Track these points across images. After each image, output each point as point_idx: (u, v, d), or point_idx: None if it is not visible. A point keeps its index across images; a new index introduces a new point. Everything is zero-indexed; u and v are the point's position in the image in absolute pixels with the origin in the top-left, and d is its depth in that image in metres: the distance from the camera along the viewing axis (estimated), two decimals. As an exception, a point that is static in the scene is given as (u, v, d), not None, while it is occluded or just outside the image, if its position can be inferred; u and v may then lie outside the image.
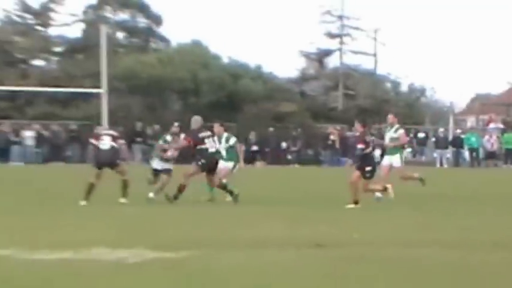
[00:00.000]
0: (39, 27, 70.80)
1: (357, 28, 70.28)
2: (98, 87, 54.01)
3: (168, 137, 22.16)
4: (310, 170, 47.13)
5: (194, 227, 14.53)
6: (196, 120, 21.65)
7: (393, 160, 23.07)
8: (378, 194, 21.29)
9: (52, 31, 71.10)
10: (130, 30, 71.14)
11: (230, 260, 10.74)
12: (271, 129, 54.12)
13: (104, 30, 56.20)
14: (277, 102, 60.76)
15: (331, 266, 10.44)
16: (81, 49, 68.55)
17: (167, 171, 21.71)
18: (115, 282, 8.96)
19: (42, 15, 69.80)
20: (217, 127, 22.78)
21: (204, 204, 20.72)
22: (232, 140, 23.11)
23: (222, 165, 22.25)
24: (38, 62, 70.57)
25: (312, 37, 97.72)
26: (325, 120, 59.75)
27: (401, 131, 23.43)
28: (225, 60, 65.47)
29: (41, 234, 13.15)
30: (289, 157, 53.27)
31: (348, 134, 57.70)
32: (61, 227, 14.43)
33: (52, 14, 70.27)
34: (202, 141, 21.14)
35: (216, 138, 22.16)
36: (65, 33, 71.53)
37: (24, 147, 52.65)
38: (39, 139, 53.10)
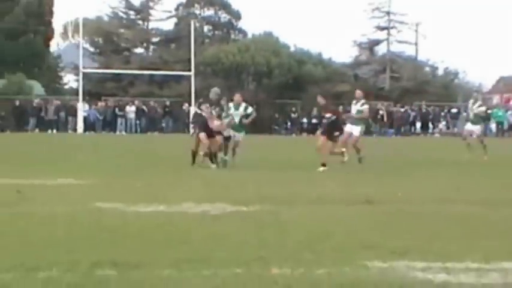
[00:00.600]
0: (140, 21, 71.32)
1: (401, 22, 71.00)
2: (187, 70, 54.27)
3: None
4: (363, 139, 46.74)
5: (265, 186, 14.50)
6: (213, 92, 20.62)
7: (354, 129, 22.27)
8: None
9: (150, 25, 71.59)
10: (215, 24, 71.37)
11: (295, 213, 10.70)
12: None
13: (192, 24, 56.33)
14: (334, 83, 60.73)
15: (377, 219, 10.36)
16: (174, 39, 68.94)
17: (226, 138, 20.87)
18: (200, 230, 8.96)
19: (143, 11, 70.32)
20: (237, 96, 21.54)
21: (272, 167, 20.56)
22: (250, 109, 21.37)
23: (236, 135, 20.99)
24: (138, 50, 71.18)
25: (363, 29, 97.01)
26: (374, 98, 60.14)
27: (366, 106, 22.85)
28: (292, 48, 65.51)
29: (140, 192, 13.23)
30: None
31: (394, 109, 57.55)
32: (157, 185, 14.51)
33: (151, 11, 70.73)
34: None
35: (231, 105, 21.12)
36: (160, 26, 72.03)
37: (127, 120, 53.23)
38: (139, 113, 53.65)
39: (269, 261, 7.19)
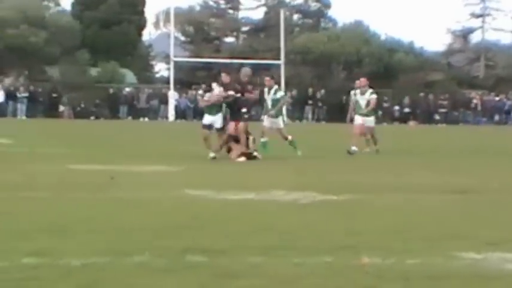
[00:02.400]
0: (230, 11, 71.73)
1: (497, 9, 69.44)
2: (277, 59, 54.31)
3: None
4: (456, 128, 46.20)
5: (354, 175, 14.38)
6: (243, 72, 19.06)
7: (367, 121, 20.79)
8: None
9: (240, 14, 71.91)
10: (304, 12, 71.20)
11: (385, 202, 10.58)
12: (421, 94, 54.31)
13: (282, 13, 56.33)
14: (426, 72, 59.95)
15: (471, 209, 10.15)
16: (263, 28, 69.06)
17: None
18: (289, 219, 8.95)
19: (233, 1, 70.65)
20: (268, 80, 20.17)
21: (363, 155, 20.31)
22: (280, 93, 19.90)
23: (271, 122, 19.44)
24: (228, 39, 71.57)
25: (457, 17, 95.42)
26: (468, 86, 59.23)
27: (374, 96, 21.12)
28: (383, 37, 64.88)
29: (230, 179, 13.27)
30: (437, 117, 53.10)
31: (488, 98, 56.41)
32: (247, 172, 14.52)
33: (241, 0, 71.01)
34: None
35: (266, 89, 19.76)
36: (250, 15, 72.23)
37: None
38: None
39: (358, 249, 7.11)
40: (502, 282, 6.04)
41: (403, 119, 53.01)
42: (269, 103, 19.49)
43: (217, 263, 6.45)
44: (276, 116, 19.42)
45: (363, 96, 21.05)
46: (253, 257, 6.72)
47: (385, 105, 55.50)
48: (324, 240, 7.59)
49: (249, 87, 18.45)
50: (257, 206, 9.96)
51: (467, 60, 69.14)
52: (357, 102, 21.21)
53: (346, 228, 8.23)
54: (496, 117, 54.72)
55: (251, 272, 6.13)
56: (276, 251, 6.96)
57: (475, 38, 70.87)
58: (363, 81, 21.40)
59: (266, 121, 19.56)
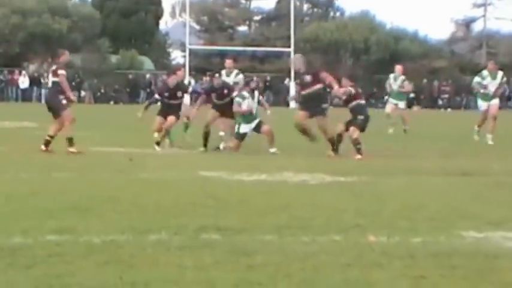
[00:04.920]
0: (242, 1, 71.54)
1: (498, -2, 69.23)
2: (287, 47, 54.19)
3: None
4: (458, 113, 46.08)
5: (365, 160, 14.33)
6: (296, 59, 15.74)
7: (399, 103, 23.40)
8: None
9: (252, 4, 71.73)
10: (314, 2, 70.99)
11: (392, 184, 10.56)
12: (425, 80, 54.48)
13: (292, 2, 56.09)
14: (431, 59, 59.84)
15: (474, 190, 10.12)
16: (275, 18, 68.94)
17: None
18: (299, 199, 8.95)
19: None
20: (229, 62, 18.65)
21: (369, 139, 20.17)
22: (239, 77, 17.85)
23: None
24: (241, 28, 71.45)
25: (459, 6, 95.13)
26: (470, 73, 59.55)
27: (407, 83, 23.97)
28: (388, 25, 64.78)
29: (243, 161, 13.26)
30: (441, 103, 53.24)
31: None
32: (259, 155, 14.54)
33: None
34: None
35: (224, 71, 17.95)
36: (262, 5, 72.10)
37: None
38: (242, 87, 53.91)
39: (366, 229, 7.12)
40: (502, 260, 6.04)
41: (408, 104, 53.00)
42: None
43: (231, 241, 6.47)
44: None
45: (396, 82, 23.48)
46: (267, 235, 6.74)
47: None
48: (333, 219, 7.59)
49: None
50: (269, 187, 9.96)
51: (469, 47, 69.12)
52: (390, 86, 23.55)
53: (354, 209, 8.23)
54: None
55: (264, 250, 6.14)
56: (288, 230, 6.98)
57: (477, 26, 70.86)
58: (399, 68, 24.00)
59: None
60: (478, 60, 66.88)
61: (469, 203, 8.93)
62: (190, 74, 53.66)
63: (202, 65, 60.24)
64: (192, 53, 56.61)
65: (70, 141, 14.09)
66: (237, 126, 15.52)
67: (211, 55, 63.41)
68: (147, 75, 54.61)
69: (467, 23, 70.90)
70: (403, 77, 23.73)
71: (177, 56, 72.21)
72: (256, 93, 15.73)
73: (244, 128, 15.43)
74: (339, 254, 6.08)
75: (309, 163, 13.13)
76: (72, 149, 13.99)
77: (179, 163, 12.90)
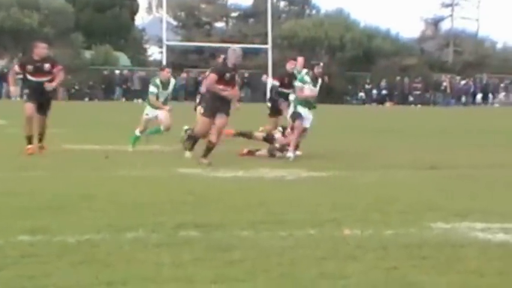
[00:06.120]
0: (219, -3, 71.39)
1: (465, -1, 70.48)
2: (265, 43, 54.28)
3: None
4: (428, 109, 46.55)
5: (339, 155, 14.40)
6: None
7: None
8: None
9: (230, 0, 71.61)
10: (290, 0, 71.17)
11: (365, 179, 10.64)
12: (398, 77, 55.18)
13: (269, 0, 56.10)
14: (402, 57, 60.30)
15: (441, 183, 10.29)
16: (252, 15, 68.94)
17: None
18: (276, 194, 9.00)
19: (222, -12, 70.34)
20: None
21: (343, 134, 20.33)
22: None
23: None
24: (219, 24, 71.32)
25: (429, 6, 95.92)
26: (439, 70, 60.41)
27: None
28: (362, 24, 65.18)
29: (220, 158, 13.23)
30: (412, 99, 53.86)
31: (456, 81, 57.28)
32: (235, 152, 14.52)
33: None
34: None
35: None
36: (239, 2, 72.09)
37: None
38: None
39: (341, 222, 7.19)
40: (468, 249, 6.19)
41: (381, 100, 53.88)
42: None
43: (209, 237, 6.49)
44: None
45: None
46: (244, 231, 6.78)
47: (367, 87, 55.88)
48: (309, 214, 7.65)
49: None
50: (246, 183, 9.99)
51: (438, 46, 70.03)
52: None
53: (330, 203, 8.29)
54: (463, 99, 55.91)
55: (242, 245, 6.18)
56: (264, 225, 7.03)
57: (445, 25, 71.94)
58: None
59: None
60: (446, 58, 67.85)
61: (437, 195, 9.08)
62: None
63: (180, 61, 60.05)
64: (169, 49, 56.42)
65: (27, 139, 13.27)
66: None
67: (188, 51, 63.25)
68: (124, 71, 54.09)
69: (436, 22, 71.99)
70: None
71: (154, 52, 71.90)
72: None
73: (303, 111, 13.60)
74: (315, 247, 6.15)
75: (285, 159, 13.16)
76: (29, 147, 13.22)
77: (156, 160, 12.82)
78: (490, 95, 57.27)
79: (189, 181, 10.10)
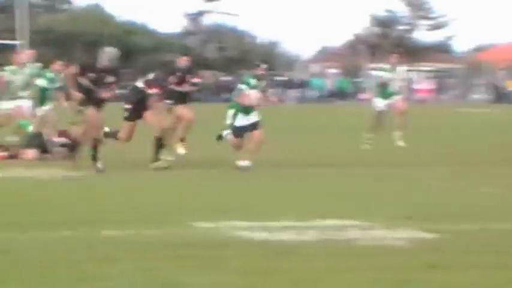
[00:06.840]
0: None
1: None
2: (14, 39, 52.78)
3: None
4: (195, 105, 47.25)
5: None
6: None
7: None
8: None
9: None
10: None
11: (122, 179, 10.54)
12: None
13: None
14: (163, 53, 60.68)
15: (198, 182, 10.38)
16: (3, 10, 66.45)
17: None
18: (30, 194, 8.65)
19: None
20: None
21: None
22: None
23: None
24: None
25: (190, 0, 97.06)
26: (204, 67, 61.15)
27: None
28: (118, 18, 64.95)
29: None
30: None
31: (222, 78, 58.50)
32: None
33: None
34: None
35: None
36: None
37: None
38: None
39: (98, 223, 7.07)
40: (231, 248, 6.24)
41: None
42: None
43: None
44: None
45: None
46: (5, 233, 6.54)
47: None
48: (64, 215, 7.47)
49: None
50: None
51: (200, 42, 70.87)
52: None
53: (86, 204, 8.16)
54: (225, 96, 57.18)
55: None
56: (14, 227, 6.79)
57: (207, 20, 72.73)
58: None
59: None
60: (210, 54, 68.87)
61: (196, 194, 9.20)
62: None
63: None
64: None
65: None
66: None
67: None
68: None
69: (197, 17, 72.67)
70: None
71: None
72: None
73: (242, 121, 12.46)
74: (72, 250, 6.00)
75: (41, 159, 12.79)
76: None
77: None
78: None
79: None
